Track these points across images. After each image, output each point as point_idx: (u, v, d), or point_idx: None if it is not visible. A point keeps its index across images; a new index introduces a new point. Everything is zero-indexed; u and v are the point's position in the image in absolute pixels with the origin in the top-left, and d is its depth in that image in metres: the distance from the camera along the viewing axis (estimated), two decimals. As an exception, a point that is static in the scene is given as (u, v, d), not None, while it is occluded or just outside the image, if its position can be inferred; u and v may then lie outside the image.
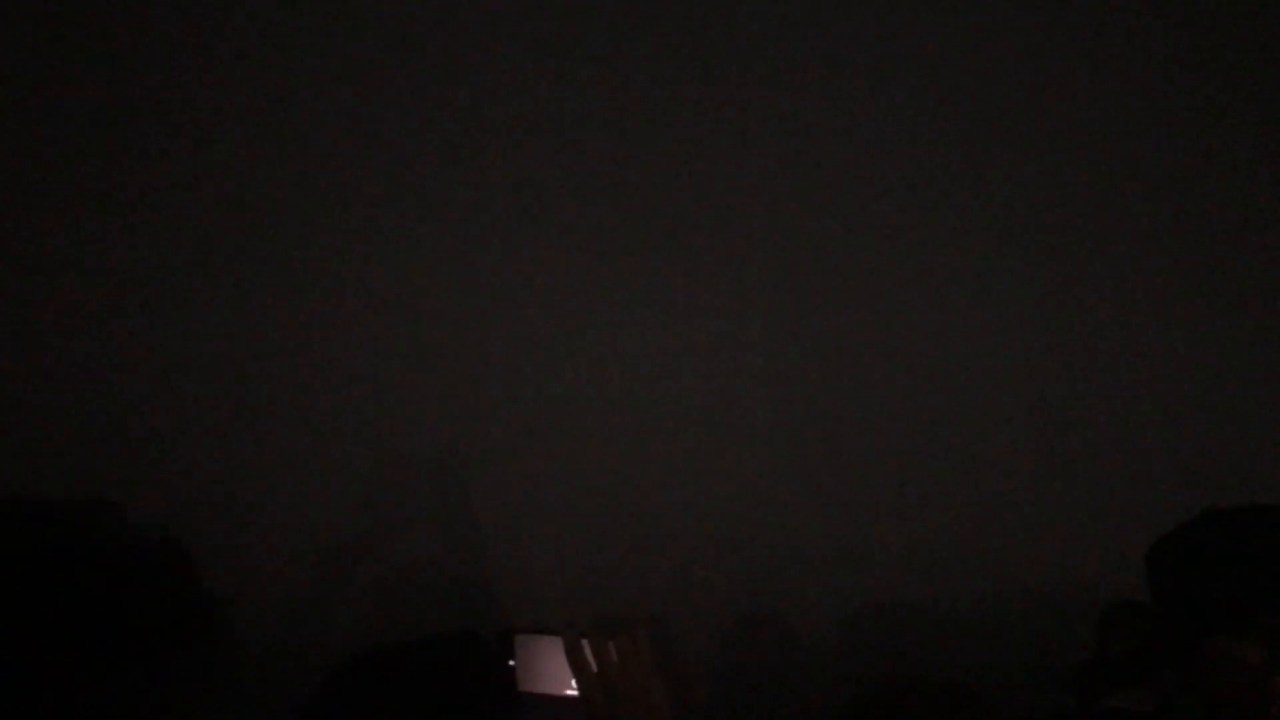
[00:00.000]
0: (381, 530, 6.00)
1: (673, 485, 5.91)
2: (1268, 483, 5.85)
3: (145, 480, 5.97)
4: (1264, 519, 3.01)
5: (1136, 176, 6.06)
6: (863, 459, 6.01)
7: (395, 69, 6.19)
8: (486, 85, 6.14)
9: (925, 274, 6.10)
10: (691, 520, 5.93)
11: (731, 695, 5.75)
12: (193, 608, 3.18)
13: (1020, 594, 6.05)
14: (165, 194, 6.13)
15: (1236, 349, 6.00)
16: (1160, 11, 6.04)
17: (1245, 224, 5.93)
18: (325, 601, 5.77)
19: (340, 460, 6.12)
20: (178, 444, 6.09)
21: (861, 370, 6.03)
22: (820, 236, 6.16)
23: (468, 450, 6.10)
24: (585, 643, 3.31)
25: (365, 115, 6.18)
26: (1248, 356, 5.97)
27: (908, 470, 5.99)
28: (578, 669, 3.28)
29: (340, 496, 6.04)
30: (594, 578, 5.85)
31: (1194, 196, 5.98)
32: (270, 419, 6.04)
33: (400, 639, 3.04)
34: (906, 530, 5.93)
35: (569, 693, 3.28)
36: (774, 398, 6.11)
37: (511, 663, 3.25)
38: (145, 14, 6.23)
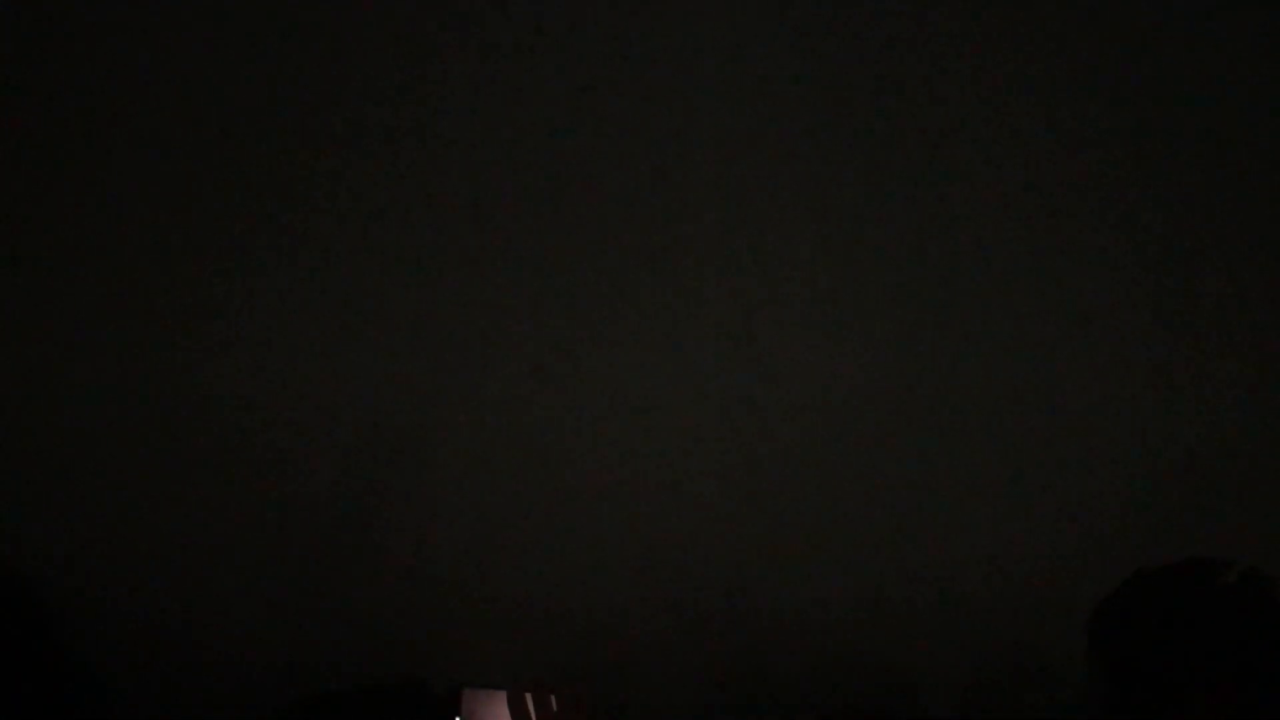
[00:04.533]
0: (334, 575, 6.03)
1: (635, 533, 5.94)
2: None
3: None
4: (1193, 578, 2.99)
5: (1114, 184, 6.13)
6: (835, 501, 6.04)
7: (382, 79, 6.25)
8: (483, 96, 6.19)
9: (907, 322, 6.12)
10: (648, 562, 5.96)
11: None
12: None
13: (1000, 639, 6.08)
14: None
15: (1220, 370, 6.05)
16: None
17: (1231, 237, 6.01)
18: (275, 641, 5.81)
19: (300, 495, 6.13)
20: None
21: (838, 409, 6.06)
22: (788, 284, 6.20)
23: (425, 494, 6.12)
24: (528, 696, 3.43)
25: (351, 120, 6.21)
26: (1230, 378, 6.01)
27: (886, 520, 6.02)
28: (520, 722, 3.37)
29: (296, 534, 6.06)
30: (551, 627, 5.87)
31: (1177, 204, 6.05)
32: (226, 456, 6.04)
33: (346, 686, 3.10)
34: (879, 582, 5.95)
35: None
36: (743, 445, 6.14)
37: (458, 718, 3.36)
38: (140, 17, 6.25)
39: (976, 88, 6.36)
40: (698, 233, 6.31)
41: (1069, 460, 6.08)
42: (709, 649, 5.94)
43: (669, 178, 6.32)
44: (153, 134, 6.29)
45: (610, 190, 6.33)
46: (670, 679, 5.84)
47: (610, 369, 6.25)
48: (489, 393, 6.20)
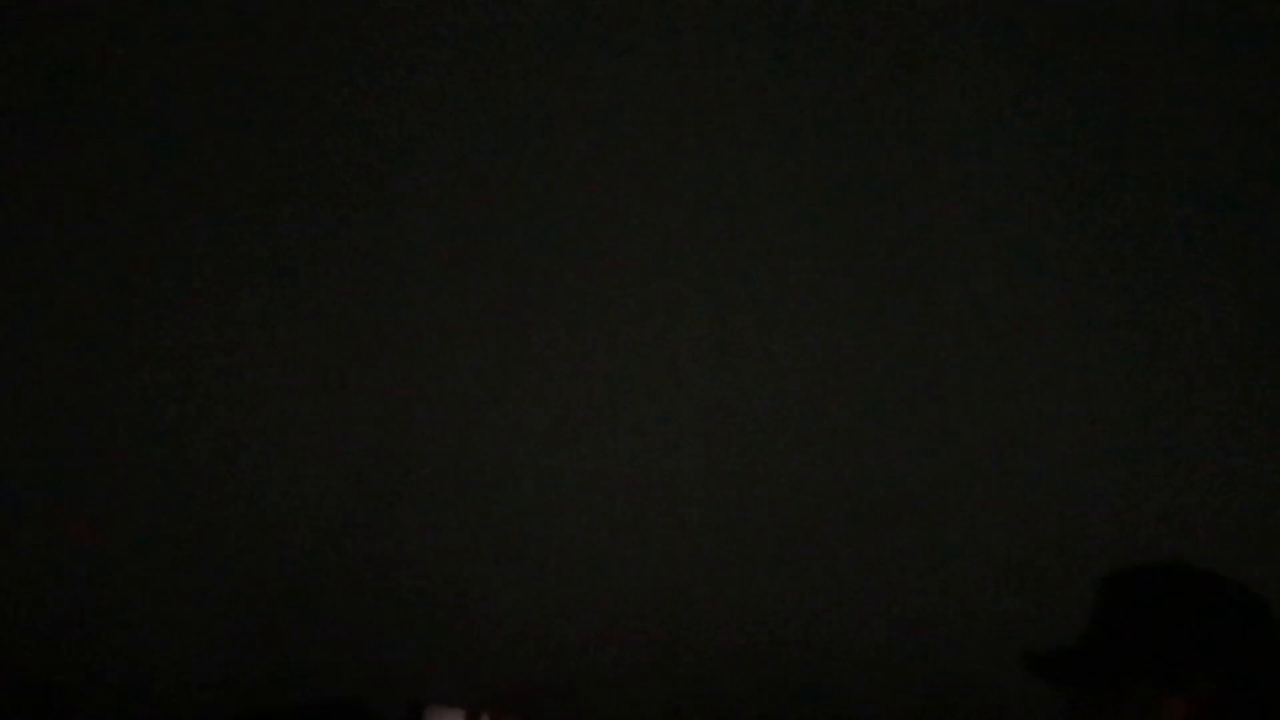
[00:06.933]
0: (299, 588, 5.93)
1: (603, 562, 5.89)
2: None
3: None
4: (1225, 588, 3.04)
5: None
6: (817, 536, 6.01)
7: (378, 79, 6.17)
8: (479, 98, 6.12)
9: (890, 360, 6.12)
10: (615, 591, 5.91)
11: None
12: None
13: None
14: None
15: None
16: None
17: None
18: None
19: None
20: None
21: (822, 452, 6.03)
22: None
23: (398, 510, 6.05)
24: (485, 715, 3.34)
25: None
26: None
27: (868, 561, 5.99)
28: (476, 744, 3.27)
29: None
30: (515, 648, 5.79)
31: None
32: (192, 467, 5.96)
33: (284, 703, 2.92)
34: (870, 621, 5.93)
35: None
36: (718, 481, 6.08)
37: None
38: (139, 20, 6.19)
39: (959, 99, 6.30)
40: (683, 249, 6.23)
41: (1048, 484, 6.03)
42: (665, 673, 5.86)
43: (655, 188, 6.25)
44: (149, 148, 6.16)
45: (596, 200, 6.23)
46: (623, 702, 5.76)
47: (587, 389, 6.14)
48: (462, 419, 6.09)
